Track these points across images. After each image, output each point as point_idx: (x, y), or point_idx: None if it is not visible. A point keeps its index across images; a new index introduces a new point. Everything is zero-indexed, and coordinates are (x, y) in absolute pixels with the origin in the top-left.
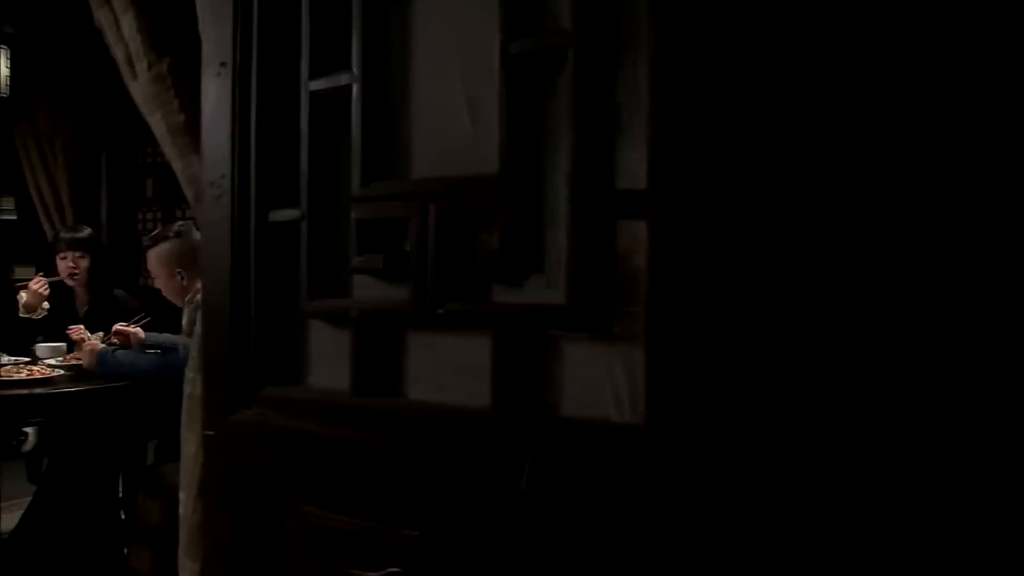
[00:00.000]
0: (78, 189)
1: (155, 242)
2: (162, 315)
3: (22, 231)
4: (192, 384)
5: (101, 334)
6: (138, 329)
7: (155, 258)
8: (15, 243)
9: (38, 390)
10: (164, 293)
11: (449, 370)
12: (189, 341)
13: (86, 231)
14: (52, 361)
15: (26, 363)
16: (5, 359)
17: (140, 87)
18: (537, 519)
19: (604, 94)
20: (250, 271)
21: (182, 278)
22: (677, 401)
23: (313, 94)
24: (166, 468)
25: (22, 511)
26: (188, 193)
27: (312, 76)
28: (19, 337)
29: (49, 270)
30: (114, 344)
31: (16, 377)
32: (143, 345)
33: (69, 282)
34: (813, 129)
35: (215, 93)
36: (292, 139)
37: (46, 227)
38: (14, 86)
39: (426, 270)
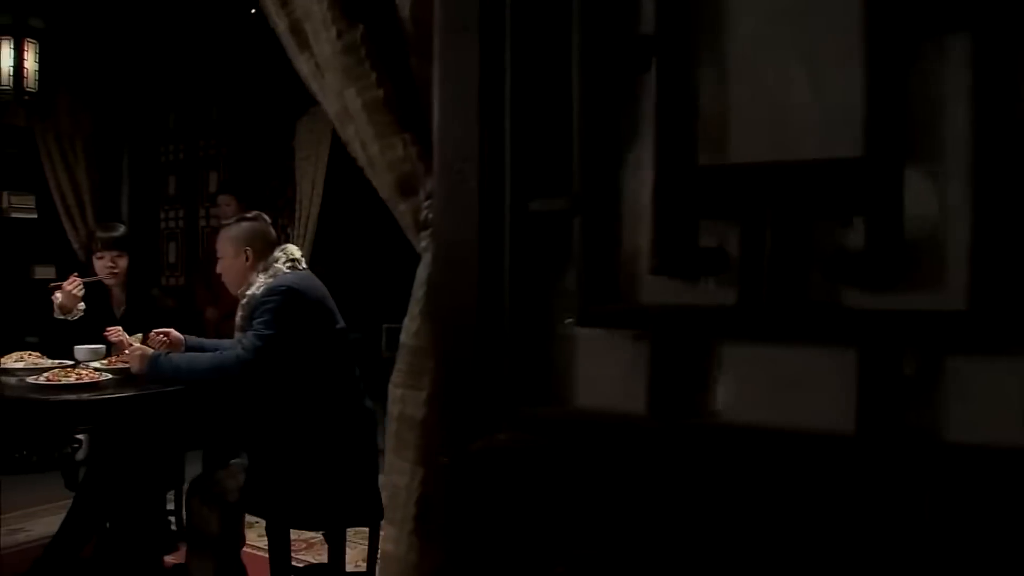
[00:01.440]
0: (99, 187)
1: (229, 225)
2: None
3: (42, 230)
4: (402, 402)
5: (140, 335)
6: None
7: (226, 236)
8: (35, 242)
9: (86, 395)
10: (224, 276)
11: (784, 387)
12: (241, 336)
13: (122, 229)
14: (97, 364)
15: (71, 367)
16: (48, 362)
17: (322, 59)
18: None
19: (1011, 65)
20: (503, 271)
21: (246, 258)
22: None
23: (586, 61)
24: (220, 474)
25: (52, 516)
26: (386, 180)
27: (585, 39)
28: (56, 339)
29: (85, 270)
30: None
31: (64, 381)
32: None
33: (108, 282)
34: None
35: (456, 63)
36: (557, 116)
37: (67, 226)
38: (39, 83)
39: (761, 271)
